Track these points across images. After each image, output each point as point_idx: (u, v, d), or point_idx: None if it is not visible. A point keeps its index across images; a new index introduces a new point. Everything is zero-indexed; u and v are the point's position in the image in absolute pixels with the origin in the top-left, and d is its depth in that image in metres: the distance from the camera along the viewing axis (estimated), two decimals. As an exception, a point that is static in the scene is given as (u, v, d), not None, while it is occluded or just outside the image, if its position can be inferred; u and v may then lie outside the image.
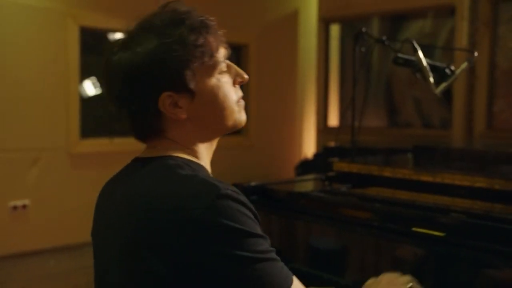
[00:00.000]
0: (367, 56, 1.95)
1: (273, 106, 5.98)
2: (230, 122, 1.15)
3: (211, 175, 1.11)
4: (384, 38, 1.93)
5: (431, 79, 1.74)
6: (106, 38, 5.49)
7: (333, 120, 5.80)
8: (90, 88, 5.35)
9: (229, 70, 1.15)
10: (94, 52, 5.40)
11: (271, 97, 5.97)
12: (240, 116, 1.18)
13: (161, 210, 0.98)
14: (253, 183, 2.01)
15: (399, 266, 1.44)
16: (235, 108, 1.16)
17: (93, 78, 5.37)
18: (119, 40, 1.14)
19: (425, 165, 2.09)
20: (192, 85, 1.07)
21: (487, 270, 1.34)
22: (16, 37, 4.48)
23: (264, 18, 5.89)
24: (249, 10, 5.83)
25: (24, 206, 4.55)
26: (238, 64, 5.13)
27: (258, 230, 0.98)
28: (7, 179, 4.48)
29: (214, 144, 1.19)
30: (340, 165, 2.12)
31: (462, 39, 4.33)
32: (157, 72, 1.05)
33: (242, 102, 1.19)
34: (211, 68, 1.10)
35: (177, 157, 1.09)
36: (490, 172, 1.85)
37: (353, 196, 1.87)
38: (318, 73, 5.98)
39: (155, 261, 0.95)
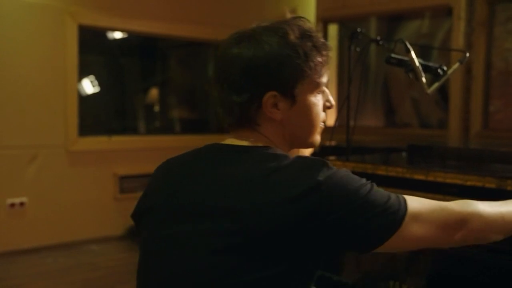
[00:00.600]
0: (362, 55, 1.97)
1: (271, 105, 5.99)
2: (310, 139, 1.24)
3: None
4: (378, 38, 1.95)
5: (423, 79, 1.76)
6: (104, 37, 5.51)
7: (330, 119, 5.81)
8: (88, 86, 5.37)
9: (323, 94, 1.23)
10: (92, 50, 5.42)
11: (269, 96, 5.98)
12: (318, 137, 1.26)
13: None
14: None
15: (392, 266, 1.46)
16: (318, 129, 1.24)
17: (91, 77, 5.39)
18: (239, 34, 1.19)
19: (419, 163, 2.10)
20: (296, 94, 1.16)
21: (477, 269, 1.35)
22: (15, 34, 4.49)
23: (262, 18, 5.89)
24: (247, 10, 5.84)
25: (21, 204, 4.56)
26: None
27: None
28: (5, 177, 4.49)
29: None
30: (335, 163, 2.14)
31: (458, 40, 4.34)
32: (274, 71, 1.13)
33: (323, 127, 1.27)
34: (316, 86, 1.19)
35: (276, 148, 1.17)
36: (483, 170, 1.86)
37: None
38: (316, 73, 5.97)
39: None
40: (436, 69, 1.79)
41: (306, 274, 1.08)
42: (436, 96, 4.73)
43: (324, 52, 1.18)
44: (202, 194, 1.11)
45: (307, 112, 1.19)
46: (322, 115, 1.23)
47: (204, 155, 1.20)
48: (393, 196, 1.10)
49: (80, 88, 5.08)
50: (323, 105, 1.23)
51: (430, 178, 1.82)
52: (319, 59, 1.17)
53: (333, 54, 5.95)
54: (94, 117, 5.47)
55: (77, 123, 4.85)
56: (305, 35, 1.16)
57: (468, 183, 1.69)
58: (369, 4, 5.11)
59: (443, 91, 4.56)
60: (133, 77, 6.08)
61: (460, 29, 4.35)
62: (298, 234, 1.02)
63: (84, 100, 5.14)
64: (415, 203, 1.11)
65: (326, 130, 1.38)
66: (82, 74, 5.10)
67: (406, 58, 1.81)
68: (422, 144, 2.34)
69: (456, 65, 1.80)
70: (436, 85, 1.76)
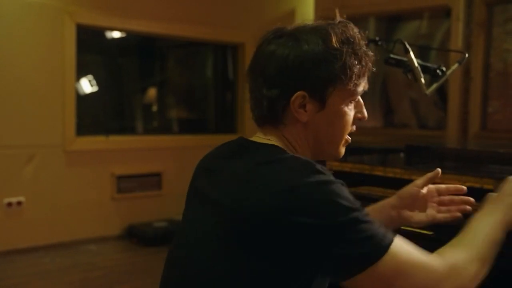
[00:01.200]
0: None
1: (269, 105, 5.98)
2: (334, 150, 1.21)
3: None
4: (377, 38, 1.95)
5: (422, 80, 1.75)
6: (102, 36, 5.50)
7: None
8: (86, 85, 5.36)
9: (357, 104, 1.20)
10: (90, 50, 5.41)
11: (267, 96, 5.97)
12: (341, 150, 1.23)
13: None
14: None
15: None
16: (343, 140, 1.21)
17: (89, 76, 5.38)
18: (281, 29, 1.17)
19: (417, 164, 2.10)
20: (326, 98, 1.13)
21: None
22: (13, 33, 4.48)
23: (261, 17, 5.90)
24: (246, 10, 5.84)
25: (19, 203, 4.55)
26: (234, 63, 5.13)
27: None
28: (2, 176, 4.48)
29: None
30: (333, 164, 2.14)
31: (457, 40, 4.34)
32: (307, 71, 1.11)
33: (349, 140, 1.23)
34: (349, 94, 1.15)
35: (285, 151, 1.14)
36: (481, 171, 1.86)
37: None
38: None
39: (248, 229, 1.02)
40: (435, 69, 1.79)
41: (291, 276, 1.02)
42: (435, 97, 4.73)
43: (364, 62, 1.15)
44: (208, 186, 1.16)
45: (335, 119, 1.16)
46: (349, 126, 1.19)
47: (227, 148, 1.22)
48: (378, 238, 1.00)
49: (78, 88, 5.07)
50: (354, 116, 1.20)
51: (428, 179, 1.81)
52: (358, 67, 1.14)
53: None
54: (92, 116, 5.46)
55: (74, 122, 4.84)
56: (348, 41, 1.13)
57: (466, 184, 1.69)
58: (368, 4, 5.11)
59: (441, 92, 4.56)
60: (131, 77, 6.07)
61: (459, 30, 4.35)
62: (270, 232, 1.00)
63: (82, 99, 5.13)
64: (401, 249, 1.02)
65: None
66: (80, 74, 5.09)
67: (405, 59, 1.80)
68: (420, 145, 2.34)
69: (455, 66, 1.79)
70: (434, 85, 1.76)
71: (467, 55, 1.78)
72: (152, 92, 6.21)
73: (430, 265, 1.04)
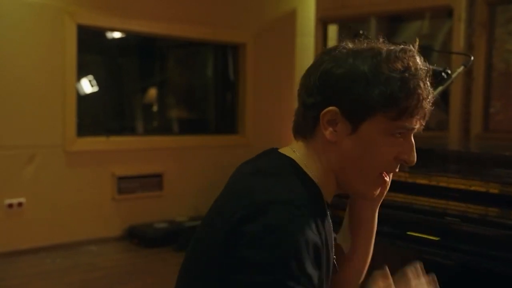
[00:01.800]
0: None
1: (270, 105, 5.98)
2: (360, 185, 1.10)
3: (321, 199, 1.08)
4: (381, 40, 1.92)
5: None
6: (103, 37, 5.49)
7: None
8: (86, 86, 5.34)
9: (403, 142, 1.07)
10: (91, 50, 5.40)
11: (268, 96, 5.97)
12: (372, 189, 1.11)
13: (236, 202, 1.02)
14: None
15: (393, 271, 1.44)
16: (373, 178, 1.09)
17: (90, 76, 5.37)
18: (343, 44, 1.11)
19: (421, 167, 2.08)
20: (360, 123, 1.04)
21: (483, 277, 1.34)
22: (14, 34, 4.47)
23: (262, 18, 5.89)
24: (246, 10, 5.82)
25: (19, 204, 4.54)
26: (235, 63, 5.10)
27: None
28: (3, 177, 4.47)
29: (338, 186, 1.13)
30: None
31: (459, 41, 4.33)
32: (347, 87, 1.03)
33: (386, 180, 1.11)
34: (389, 126, 1.04)
35: (298, 166, 1.08)
36: (486, 175, 1.84)
37: (347, 198, 1.87)
38: (315, 73, 5.95)
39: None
40: (441, 72, 1.77)
41: None
42: (436, 98, 4.71)
43: (416, 96, 1.03)
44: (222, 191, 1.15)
45: (365, 149, 1.05)
46: (384, 162, 1.07)
47: (256, 155, 1.19)
48: None
49: (78, 88, 5.06)
50: (397, 155, 1.07)
51: (433, 183, 1.80)
52: (406, 100, 1.02)
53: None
54: (92, 117, 5.45)
55: (75, 123, 4.83)
56: (404, 70, 1.03)
57: (472, 188, 1.68)
58: (368, 4, 5.10)
59: (443, 93, 4.54)
60: (132, 77, 6.06)
61: (461, 31, 4.34)
62: (227, 240, 0.98)
63: (82, 100, 5.11)
64: None
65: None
66: (81, 74, 5.07)
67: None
68: (424, 147, 2.33)
69: (460, 69, 1.78)
70: (440, 88, 1.75)
71: (472, 58, 1.76)
72: (152, 92, 6.19)
73: None
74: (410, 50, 1.06)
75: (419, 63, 1.05)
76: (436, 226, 1.46)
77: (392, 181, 1.96)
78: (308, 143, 1.10)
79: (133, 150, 5.19)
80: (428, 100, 1.06)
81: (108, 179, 5.03)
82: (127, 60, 5.98)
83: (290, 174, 1.05)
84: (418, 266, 1.13)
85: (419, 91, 1.03)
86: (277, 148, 1.15)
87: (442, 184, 1.79)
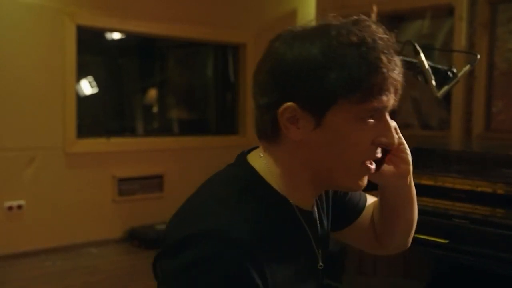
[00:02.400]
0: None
1: (271, 106, 5.96)
2: (344, 179, 0.97)
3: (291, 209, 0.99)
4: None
5: (433, 82, 1.72)
6: (103, 37, 5.47)
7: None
8: (86, 87, 5.32)
9: (377, 124, 0.95)
10: (90, 51, 5.38)
11: (268, 96, 5.95)
12: (356, 180, 0.98)
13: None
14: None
15: (397, 273, 1.42)
16: (356, 169, 0.96)
17: (90, 77, 5.35)
18: (290, 29, 0.98)
19: (424, 167, 2.07)
20: (323, 115, 0.91)
21: (490, 279, 1.32)
22: (13, 35, 4.46)
23: (262, 18, 5.87)
24: (247, 10, 5.81)
25: (19, 207, 4.52)
26: (235, 63, 5.08)
27: None
28: (2, 179, 4.45)
29: (317, 188, 1.02)
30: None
31: (460, 40, 4.31)
32: (300, 78, 0.91)
33: (371, 168, 0.98)
34: (357, 111, 0.91)
35: (257, 174, 0.98)
36: (491, 176, 1.83)
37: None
38: (315, 73, 5.94)
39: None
40: (446, 71, 1.75)
41: None
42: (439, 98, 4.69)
43: (381, 71, 0.90)
44: None
45: (335, 141, 0.92)
46: (362, 150, 0.95)
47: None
48: None
49: (78, 89, 5.04)
50: (375, 140, 0.96)
51: (439, 183, 1.79)
52: (370, 78, 0.89)
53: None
54: (92, 118, 5.43)
55: (75, 124, 4.81)
56: (357, 43, 0.90)
57: (479, 189, 1.66)
58: (368, 4, 5.07)
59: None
60: (132, 78, 6.04)
61: (462, 30, 4.32)
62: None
63: (82, 101, 5.09)
64: None
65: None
66: (80, 75, 5.05)
67: (415, 60, 1.77)
68: (427, 147, 2.31)
69: (466, 68, 1.76)
70: (445, 88, 1.72)
71: (478, 56, 1.74)
72: (152, 93, 6.17)
73: None
74: (363, 20, 0.94)
75: (377, 32, 0.92)
76: (443, 228, 1.44)
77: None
78: (274, 147, 0.97)
79: (133, 151, 5.17)
80: (396, 71, 0.92)
81: (109, 180, 5.01)
82: (127, 61, 5.96)
83: (240, 191, 0.95)
84: None
85: (381, 64, 0.90)
86: (247, 152, 1.04)
87: (447, 185, 1.77)
